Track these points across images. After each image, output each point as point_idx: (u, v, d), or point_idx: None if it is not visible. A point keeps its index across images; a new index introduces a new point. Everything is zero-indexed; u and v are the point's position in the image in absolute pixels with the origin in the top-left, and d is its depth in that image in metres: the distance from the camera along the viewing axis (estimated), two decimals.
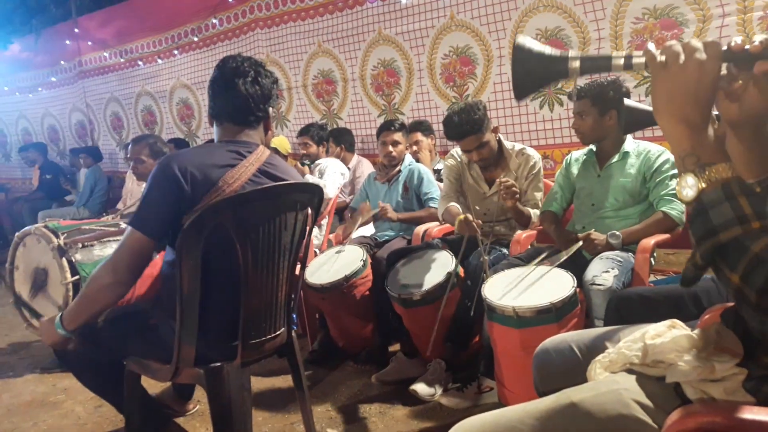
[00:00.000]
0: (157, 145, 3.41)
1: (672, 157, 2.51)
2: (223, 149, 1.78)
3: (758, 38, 0.90)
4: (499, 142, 2.93)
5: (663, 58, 0.91)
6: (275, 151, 4.43)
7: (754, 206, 0.82)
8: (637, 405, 1.03)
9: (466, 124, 2.73)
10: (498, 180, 2.68)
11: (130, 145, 3.51)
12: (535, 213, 2.82)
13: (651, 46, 0.93)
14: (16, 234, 2.53)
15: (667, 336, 1.09)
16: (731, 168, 0.86)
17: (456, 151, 3.04)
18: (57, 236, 2.36)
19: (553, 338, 1.45)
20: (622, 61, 0.96)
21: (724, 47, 0.90)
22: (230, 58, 1.87)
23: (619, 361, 1.15)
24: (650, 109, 1.01)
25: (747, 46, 0.90)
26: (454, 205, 2.91)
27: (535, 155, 2.92)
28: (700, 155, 0.88)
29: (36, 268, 2.44)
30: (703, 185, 0.86)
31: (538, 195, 2.89)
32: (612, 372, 1.15)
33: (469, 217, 2.63)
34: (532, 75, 1.01)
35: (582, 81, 3.48)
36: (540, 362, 1.41)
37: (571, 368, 1.31)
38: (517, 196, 2.63)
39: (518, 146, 2.96)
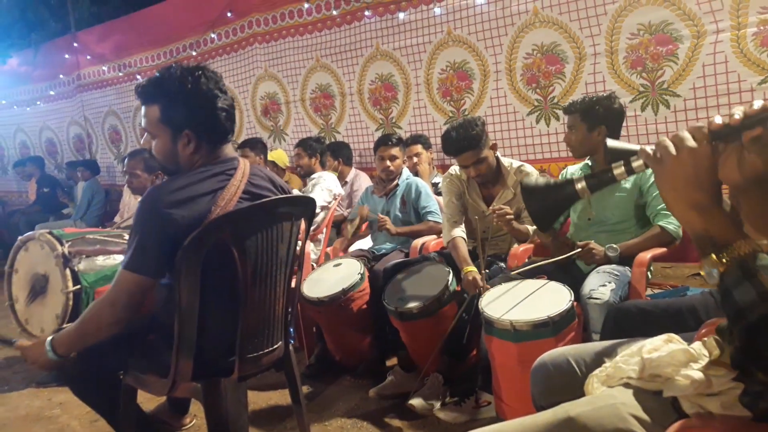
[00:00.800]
0: (153, 159, 3.41)
1: None
2: (206, 175, 1.73)
3: (737, 111, 0.92)
4: (497, 159, 2.93)
5: (658, 154, 0.95)
6: (273, 164, 4.44)
7: None
8: (634, 419, 1.03)
9: (464, 139, 2.74)
10: (491, 208, 2.68)
11: (126, 159, 3.51)
12: (533, 229, 2.82)
13: (647, 148, 0.98)
14: (19, 238, 2.52)
15: (664, 350, 1.09)
16: (747, 244, 0.88)
17: (454, 169, 3.04)
18: (62, 244, 2.36)
19: (550, 352, 1.45)
20: (623, 169, 1.00)
21: (707, 129, 0.93)
22: (189, 72, 1.73)
23: (617, 375, 1.15)
24: (633, 147, 1.04)
25: (728, 121, 0.92)
26: (461, 240, 2.84)
27: (534, 172, 2.92)
28: (715, 237, 0.90)
29: (36, 273, 2.43)
30: (722, 268, 0.88)
31: None
32: (609, 386, 1.16)
33: (477, 278, 2.58)
34: (547, 207, 1.07)
35: (575, 96, 3.52)
36: (538, 376, 1.41)
37: (569, 382, 1.31)
38: (512, 221, 2.63)
39: (516, 163, 2.96)
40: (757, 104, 0.91)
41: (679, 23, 3.21)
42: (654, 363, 1.07)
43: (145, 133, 1.84)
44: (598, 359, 1.31)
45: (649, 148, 0.97)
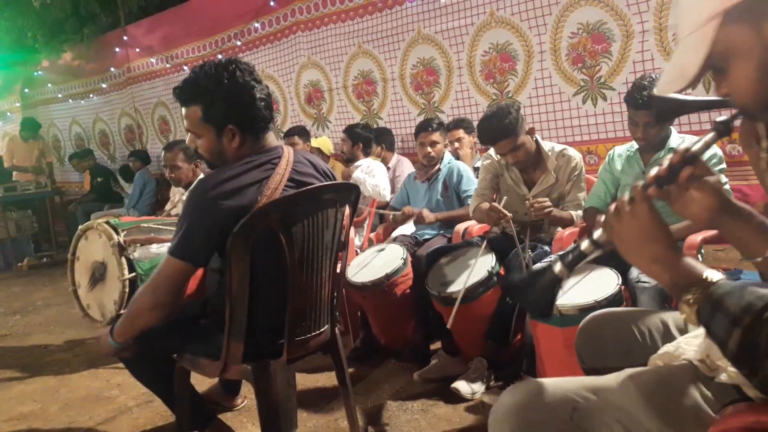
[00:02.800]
0: (190, 149, 3.42)
1: (719, 152, 2.45)
2: (252, 165, 1.77)
3: (666, 161, 1.03)
4: (537, 143, 2.89)
5: (608, 222, 1.03)
6: (318, 151, 4.49)
7: (738, 303, 0.85)
8: (698, 395, 1.03)
9: (497, 128, 2.69)
10: (528, 199, 2.65)
11: (163, 153, 3.53)
12: (577, 214, 2.78)
13: (601, 218, 1.06)
14: (80, 227, 2.63)
15: None
16: (708, 278, 0.92)
17: (493, 151, 3.03)
18: (117, 233, 2.46)
19: (603, 312, 1.41)
20: (588, 242, 1.07)
21: (640, 186, 1.01)
22: (223, 68, 1.74)
23: (677, 354, 1.14)
24: (680, 97, 1.08)
25: (657, 172, 1.02)
26: (485, 203, 2.88)
27: (576, 155, 2.86)
28: (679, 282, 0.95)
29: (95, 261, 2.54)
30: (695, 307, 0.91)
31: (581, 195, 2.84)
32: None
33: (495, 206, 2.62)
34: (538, 296, 1.10)
35: (623, 75, 3.44)
36: (589, 335, 1.37)
37: (628, 348, 1.28)
38: (552, 211, 2.60)
39: (558, 147, 2.89)
40: (682, 148, 1.01)
41: None
42: (714, 348, 1.06)
43: (189, 134, 1.88)
44: (662, 328, 1.28)
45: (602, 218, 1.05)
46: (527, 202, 2.66)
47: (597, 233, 1.06)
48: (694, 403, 1.02)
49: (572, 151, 2.87)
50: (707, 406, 1.02)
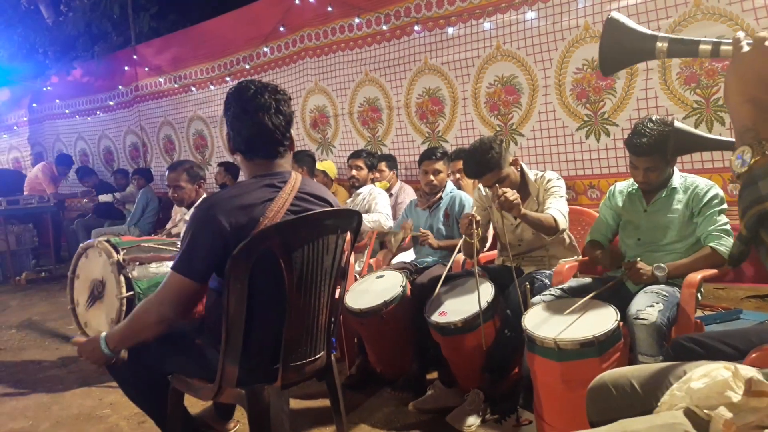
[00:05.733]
0: (194, 169, 3.45)
1: (721, 192, 2.46)
2: (258, 185, 1.79)
3: None
4: (522, 172, 2.91)
5: (744, 43, 0.93)
6: (323, 174, 4.50)
7: None
8: None
9: (480, 164, 2.73)
10: (495, 189, 2.59)
11: (166, 173, 3.56)
12: (557, 218, 2.68)
13: (741, 34, 0.96)
14: (81, 245, 2.65)
15: (707, 380, 1.07)
16: None
17: (482, 186, 3.04)
18: (117, 252, 2.46)
19: (611, 372, 1.42)
20: (709, 47, 0.98)
21: None
22: (244, 89, 1.80)
23: (673, 402, 1.13)
24: (700, 134, 1.03)
25: None
26: None
27: (554, 175, 2.88)
28: (760, 131, 0.90)
29: (95, 279, 2.54)
30: (757, 157, 0.88)
31: (557, 203, 2.76)
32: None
33: (473, 219, 2.61)
34: (620, 49, 1.04)
35: (626, 112, 3.47)
36: (596, 394, 1.38)
37: (631, 404, 1.28)
38: (518, 204, 2.53)
39: (540, 173, 2.93)
40: None
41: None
42: (696, 394, 1.06)
43: None
44: (661, 380, 1.28)
45: (743, 35, 0.96)
46: (493, 190, 2.59)
47: (725, 45, 0.97)
48: None
49: (550, 173, 2.89)
50: None
